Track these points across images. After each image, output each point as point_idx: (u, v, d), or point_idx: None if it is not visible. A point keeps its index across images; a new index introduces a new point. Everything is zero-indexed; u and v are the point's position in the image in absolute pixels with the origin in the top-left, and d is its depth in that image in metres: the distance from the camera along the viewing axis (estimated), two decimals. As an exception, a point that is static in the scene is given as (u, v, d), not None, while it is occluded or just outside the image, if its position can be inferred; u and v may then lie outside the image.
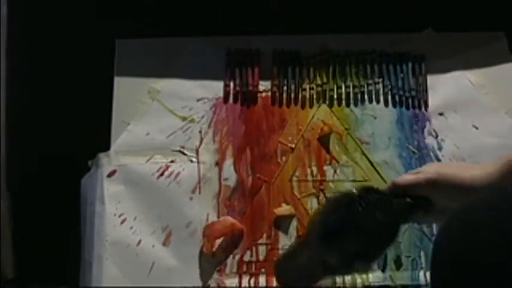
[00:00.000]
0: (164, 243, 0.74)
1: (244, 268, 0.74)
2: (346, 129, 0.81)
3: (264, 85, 0.83)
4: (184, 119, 0.80)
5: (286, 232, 0.75)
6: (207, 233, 0.73)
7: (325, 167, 0.79)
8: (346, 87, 0.83)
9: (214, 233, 0.73)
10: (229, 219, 0.75)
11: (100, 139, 0.78)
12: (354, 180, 0.78)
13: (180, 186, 0.76)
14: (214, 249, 0.73)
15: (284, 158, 0.79)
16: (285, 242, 0.75)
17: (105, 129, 0.78)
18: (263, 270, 0.73)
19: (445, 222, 0.45)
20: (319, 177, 0.78)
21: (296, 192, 0.77)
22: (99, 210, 0.74)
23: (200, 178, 0.77)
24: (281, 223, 0.75)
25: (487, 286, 0.39)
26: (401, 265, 0.75)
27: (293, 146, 0.79)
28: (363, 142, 0.80)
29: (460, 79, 0.84)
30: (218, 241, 0.73)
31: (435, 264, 0.44)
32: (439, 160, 0.80)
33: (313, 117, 0.81)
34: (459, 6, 0.86)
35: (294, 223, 0.76)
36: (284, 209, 0.75)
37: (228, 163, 0.78)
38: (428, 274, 0.74)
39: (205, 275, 0.73)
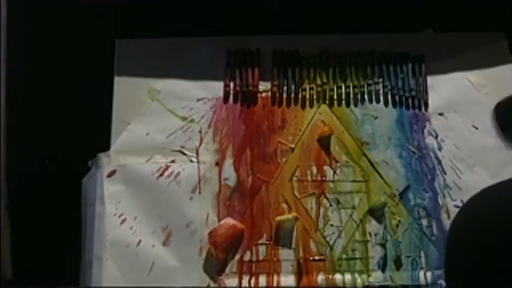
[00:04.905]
0: (164, 243, 0.74)
1: (244, 268, 0.74)
2: (346, 129, 0.81)
3: (264, 85, 0.83)
4: (184, 119, 0.80)
5: (286, 232, 0.75)
6: (212, 240, 0.73)
7: (325, 167, 0.79)
8: (346, 87, 0.83)
9: (219, 238, 0.73)
10: (230, 221, 0.75)
11: (100, 139, 0.78)
12: (354, 181, 0.78)
13: (180, 186, 0.76)
14: (221, 254, 0.73)
15: (284, 158, 0.79)
16: (285, 242, 0.75)
17: (105, 129, 0.78)
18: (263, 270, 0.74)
19: (459, 210, 0.45)
20: (319, 177, 0.78)
21: (296, 193, 0.77)
22: (99, 210, 0.74)
23: (200, 178, 0.77)
24: (281, 223, 0.75)
25: (503, 274, 0.39)
26: (401, 265, 0.75)
27: (293, 146, 0.80)
28: (363, 142, 0.80)
29: (460, 79, 0.84)
30: (224, 245, 0.73)
31: (451, 252, 0.44)
32: (439, 160, 0.80)
33: (313, 117, 0.81)
34: (459, 6, 0.86)
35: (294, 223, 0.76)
36: (286, 217, 0.75)
37: (228, 163, 0.78)
38: (428, 274, 0.74)
39: (206, 276, 0.73)
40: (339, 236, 0.76)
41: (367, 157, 0.80)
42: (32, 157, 0.84)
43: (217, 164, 0.78)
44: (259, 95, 0.82)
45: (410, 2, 0.86)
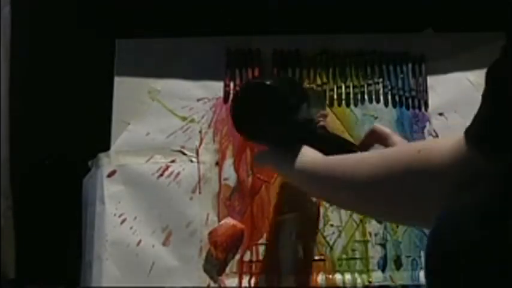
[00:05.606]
0: (164, 243, 0.74)
1: (244, 268, 0.74)
2: (346, 129, 0.81)
3: (264, 85, 0.83)
4: (184, 119, 0.80)
5: (286, 232, 0.75)
6: (212, 240, 0.73)
7: (325, 167, 0.79)
8: (346, 87, 0.83)
9: (219, 238, 0.73)
10: (230, 221, 0.75)
11: (100, 139, 0.78)
12: (353, 180, 0.78)
13: (180, 186, 0.76)
14: (221, 254, 0.73)
15: (284, 158, 0.79)
16: (285, 241, 0.75)
17: (105, 129, 0.79)
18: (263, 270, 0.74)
19: (436, 222, 0.45)
20: (319, 177, 0.78)
21: (296, 192, 0.77)
22: (99, 210, 0.74)
23: (200, 178, 0.77)
24: (281, 223, 0.75)
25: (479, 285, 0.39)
26: (401, 265, 0.75)
27: (293, 146, 0.79)
28: (363, 142, 0.80)
29: (460, 79, 0.84)
30: (224, 245, 0.73)
31: (429, 262, 0.44)
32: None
33: (313, 117, 0.81)
34: (459, 6, 0.86)
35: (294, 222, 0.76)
36: (288, 216, 0.75)
37: (228, 163, 0.78)
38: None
39: (206, 276, 0.73)
40: (339, 236, 0.76)
41: (367, 157, 0.79)
42: (32, 157, 0.84)
43: (217, 164, 0.78)
44: (259, 95, 0.82)
45: (410, 2, 0.86)
